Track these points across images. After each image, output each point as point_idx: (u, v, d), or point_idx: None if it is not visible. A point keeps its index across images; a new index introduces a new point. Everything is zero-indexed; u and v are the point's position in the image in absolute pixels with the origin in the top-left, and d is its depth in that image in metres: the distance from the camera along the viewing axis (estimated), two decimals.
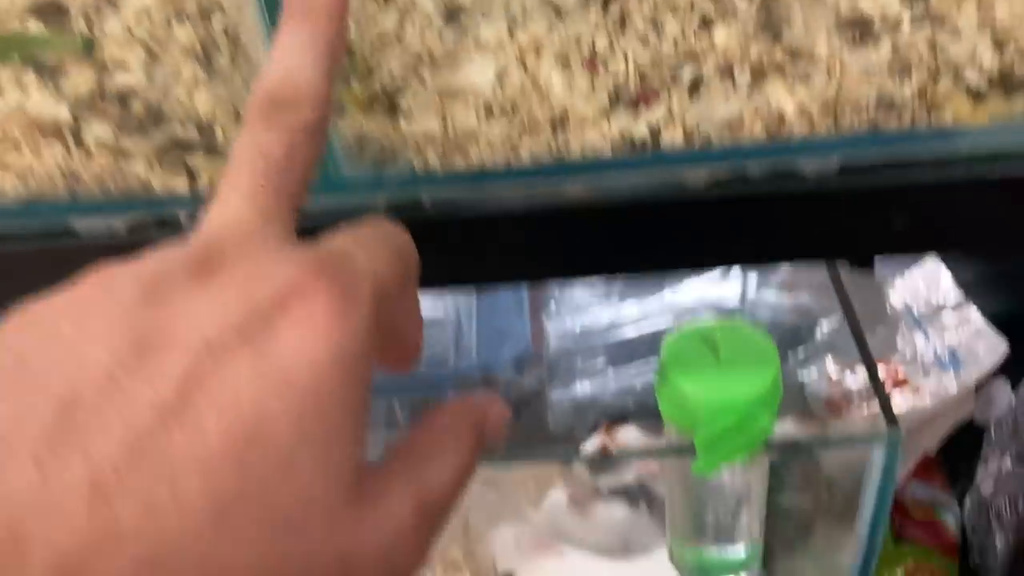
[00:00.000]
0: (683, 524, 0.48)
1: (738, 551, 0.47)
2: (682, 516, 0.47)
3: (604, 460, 0.66)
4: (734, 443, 0.36)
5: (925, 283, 0.65)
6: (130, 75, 0.26)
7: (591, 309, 0.71)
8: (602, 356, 0.70)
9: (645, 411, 0.66)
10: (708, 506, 0.44)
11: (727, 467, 0.41)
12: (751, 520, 0.46)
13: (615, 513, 0.63)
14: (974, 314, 0.63)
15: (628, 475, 0.68)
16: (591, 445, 0.69)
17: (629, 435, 0.69)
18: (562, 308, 0.72)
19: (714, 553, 0.47)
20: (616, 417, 0.68)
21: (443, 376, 0.69)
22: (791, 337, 0.63)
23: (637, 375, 0.68)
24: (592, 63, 0.26)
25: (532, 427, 0.78)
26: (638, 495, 0.64)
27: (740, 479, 0.43)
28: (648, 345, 0.66)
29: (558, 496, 0.67)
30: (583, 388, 0.72)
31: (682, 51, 0.26)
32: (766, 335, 0.39)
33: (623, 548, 0.63)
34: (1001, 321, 0.63)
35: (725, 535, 0.46)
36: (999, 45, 0.25)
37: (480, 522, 0.72)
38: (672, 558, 0.51)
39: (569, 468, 0.74)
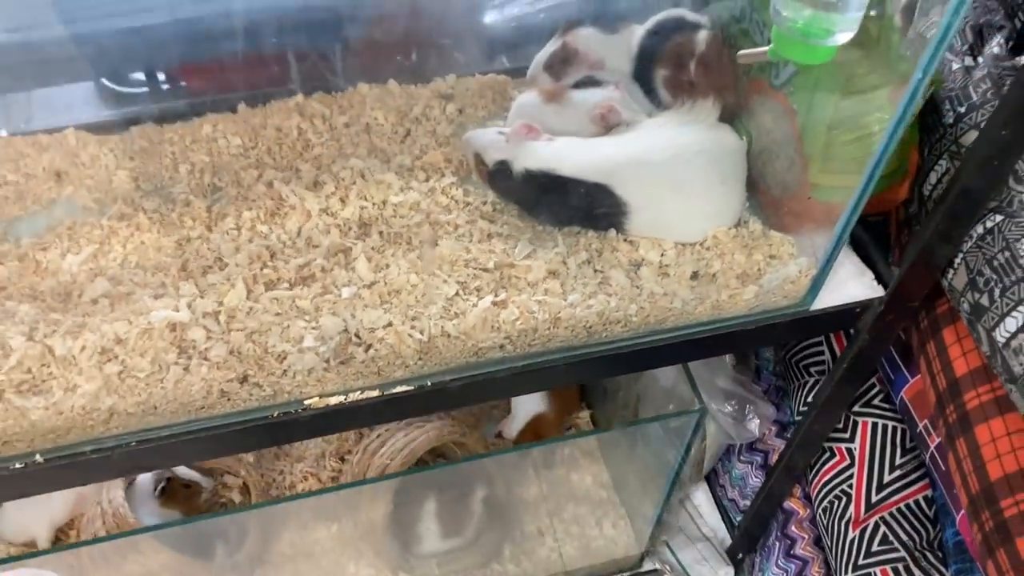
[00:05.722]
0: None
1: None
2: None
3: (564, 61, 0.71)
4: None
5: None
6: None
7: None
8: None
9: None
10: None
11: None
12: None
13: (592, 95, 0.68)
14: None
15: (582, 72, 0.74)
16: (552, 47, 0.75)
17: (587, 34, 0.75)
18: None
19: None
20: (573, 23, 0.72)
21: None
22: None
23: None
24: None
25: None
26: (607, 80, 0.70)
27: None
28: None
29: (528, 96, 0.71)
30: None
31: None
32: None
33: (606, 131, 0.69)
34: None
35: None
36: None
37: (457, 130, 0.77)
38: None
39: (523, 79, 0.79)
